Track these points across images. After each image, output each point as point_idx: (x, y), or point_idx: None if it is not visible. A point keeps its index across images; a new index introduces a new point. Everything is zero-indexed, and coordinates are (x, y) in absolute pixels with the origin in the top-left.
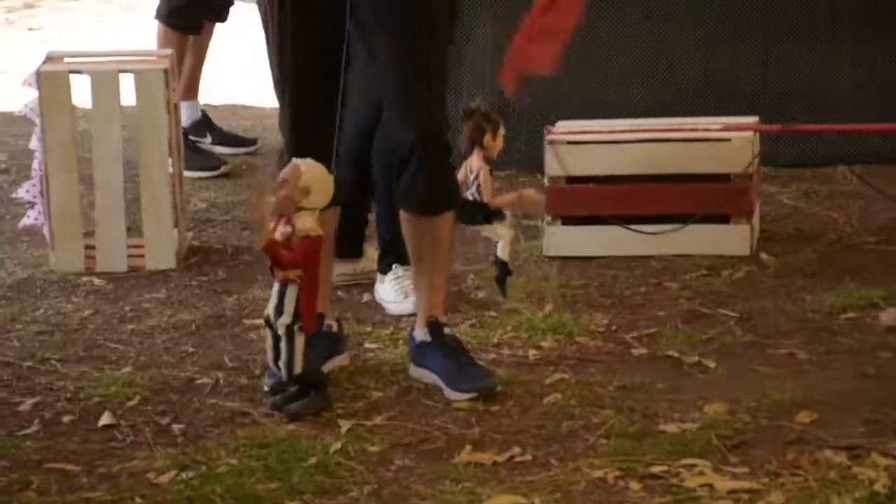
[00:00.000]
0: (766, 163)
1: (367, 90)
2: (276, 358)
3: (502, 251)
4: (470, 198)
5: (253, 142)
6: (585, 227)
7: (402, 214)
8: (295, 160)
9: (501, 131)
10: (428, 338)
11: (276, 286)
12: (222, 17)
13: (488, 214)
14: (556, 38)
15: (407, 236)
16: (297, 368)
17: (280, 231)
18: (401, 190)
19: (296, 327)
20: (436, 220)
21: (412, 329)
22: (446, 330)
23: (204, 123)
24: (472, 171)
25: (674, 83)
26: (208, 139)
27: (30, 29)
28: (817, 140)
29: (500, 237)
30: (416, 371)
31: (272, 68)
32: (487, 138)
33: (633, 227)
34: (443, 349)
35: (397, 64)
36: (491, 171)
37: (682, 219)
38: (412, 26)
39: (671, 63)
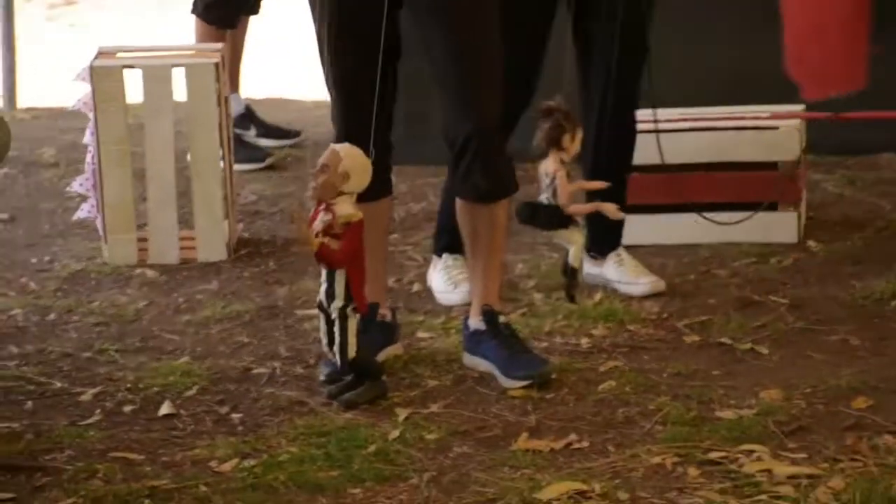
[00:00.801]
0: (810, 151)
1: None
2: (331, 342)
3: (574, 258)
4: (544, 201)
5: (297, 133)
6: (633, 215)
7: (458, 202)
8: (333, 146)
9: (580, 133)
10: (483, 326)
11: (324, 272)
12: (255, 9)
13: (563, 219)
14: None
15: (462, 223)
16: (352, 352)
17: (321, 219)
18: (457, 179)
19: (348, 309)
20: (492, 207)
21: (466, 317)
22: (501, 318)
23: (247, 116)
24: (549, 173)
25: (713, 73)
26: (252, 132)
27: (70, 25)
28: (861, 128)
29: (573, 243)
30: (470, 359)
31: (321, 61)
32: (566, 139)
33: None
34: (497, 337)
35: (452, 56)
36: (569, 172)
37: (730, 207)
38: (466, 18)
39: (709, 53)
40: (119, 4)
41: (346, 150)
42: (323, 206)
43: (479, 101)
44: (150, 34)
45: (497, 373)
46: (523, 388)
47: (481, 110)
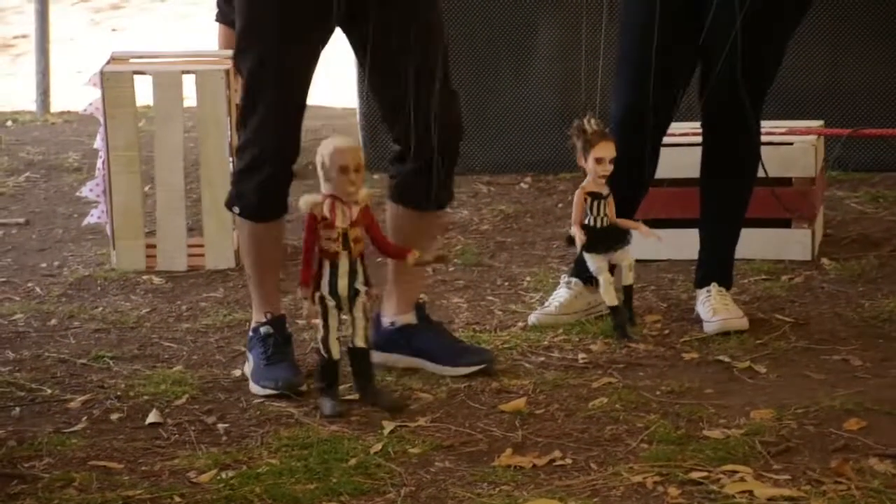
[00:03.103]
0: (836, 167)
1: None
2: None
3: (625, 276)
4: (593, 223)
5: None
6: None
7: (402, 209)
8: (341, 144)
9: (597, 152)
10: (415, 320)
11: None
12: None
13: (617, 239)
14: None
15: (396, 227)
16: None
17: (343, 215)
18: (418, 189)
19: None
20: (441, 213)
21: (378, 316)
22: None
23: None
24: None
25: None
26: None
27: (113, 30)
28: (888, 144)
29: (623, 263)
30: (387, 357)
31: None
32: (580, 158)
33: None
34: (435, 329)
35: (432, 69)
36: (591, 193)
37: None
38: (439, 31)
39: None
40: (166, 8)
41: (349, 141)
42: (335, 204)
43: (459, 113)
44: (194, 39)
45: (434, 364)
46: (470, 374)
47: (460, 122)
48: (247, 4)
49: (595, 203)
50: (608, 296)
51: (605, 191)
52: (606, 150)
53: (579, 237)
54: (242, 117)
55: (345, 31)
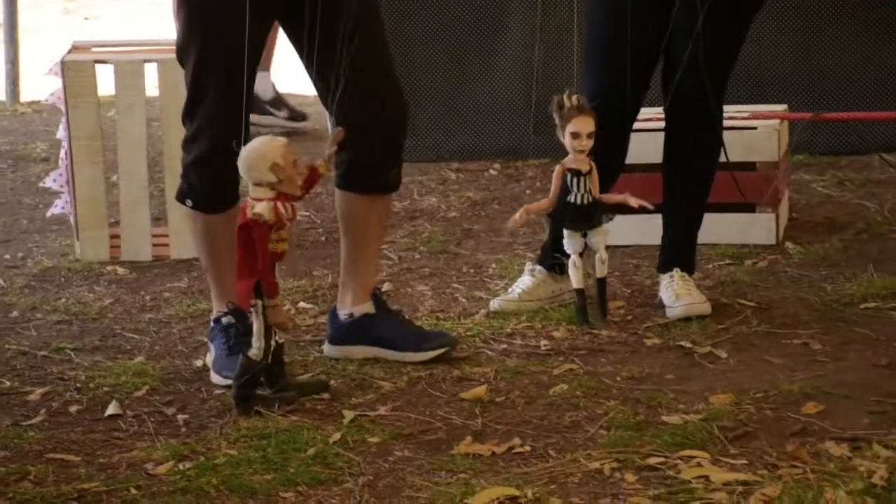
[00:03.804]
0: (803, 150)
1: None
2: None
3: (599, 269)
4: (574, 200)
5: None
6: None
7: (352, 195)
8: (278, 142)
9: (571, 127)
10: (373, 309)
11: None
12: None
13: (597, 217)
14: None
15: (354, 216)
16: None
17: (287, 211)
18: (369, 171)
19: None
20: (385, 199)
21: (335, 308)
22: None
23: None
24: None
25: None
26: (284, 113)
27: (85, 18)
28: (855, 127)
29: (597, 250)
30: (350, 349)
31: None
32: (558, 133)
33: None
34: (395, 317)
35: (376, 43)
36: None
37: (707, 208)
38: (375, 9)
39: None
40: None
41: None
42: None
43: (401, 95)
44: (170, 27)
45: (398, 352)
46: (432, 361)
47: (404, 104)
48: None
49: (575, 179)
50: (576, 277)
51: (585, 167)
52: (582, 124)
53: (515, 221)
54: (189, 109)
55: (280, 20)
